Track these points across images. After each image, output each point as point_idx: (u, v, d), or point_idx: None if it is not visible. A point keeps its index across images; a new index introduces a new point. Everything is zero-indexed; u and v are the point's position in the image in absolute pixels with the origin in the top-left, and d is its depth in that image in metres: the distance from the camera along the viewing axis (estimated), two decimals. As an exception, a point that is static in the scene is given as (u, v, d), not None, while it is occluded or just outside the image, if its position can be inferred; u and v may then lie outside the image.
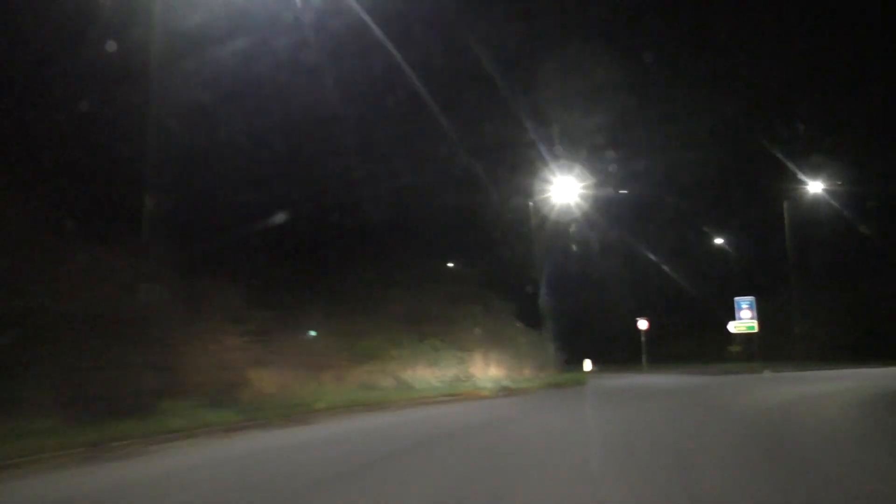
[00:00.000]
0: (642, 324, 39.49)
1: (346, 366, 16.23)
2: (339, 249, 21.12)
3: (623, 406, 14.24)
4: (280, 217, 18.19)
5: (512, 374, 21.79)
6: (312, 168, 21.76)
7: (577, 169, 31.33)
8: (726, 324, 41.28)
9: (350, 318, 18.27)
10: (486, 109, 30.28)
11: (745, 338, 31.99)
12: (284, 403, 12.84)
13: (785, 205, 33.50)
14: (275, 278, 16.94)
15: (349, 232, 22.78)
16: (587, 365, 42.31)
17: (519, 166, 31.77)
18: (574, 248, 37.00)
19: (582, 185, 31.77)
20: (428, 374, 18.33)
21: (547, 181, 31.38)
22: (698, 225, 42.30)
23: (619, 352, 45.39)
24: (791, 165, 32.96)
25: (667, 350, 43.00)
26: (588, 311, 45.59)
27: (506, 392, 18.53)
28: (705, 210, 41.65)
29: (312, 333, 19.09)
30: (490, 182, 34.02)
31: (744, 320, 30.54)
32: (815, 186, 32.53)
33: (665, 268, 45.33)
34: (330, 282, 18.99)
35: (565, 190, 31.44)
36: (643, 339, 39.26)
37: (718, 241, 43.95)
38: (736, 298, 30.78)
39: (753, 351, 30.73)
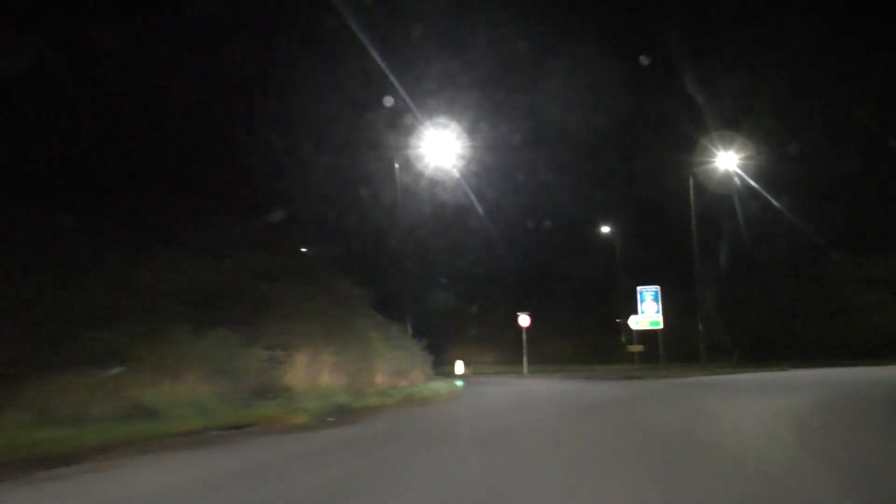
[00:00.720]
0: (523, 320, 33.80)
1: (21, 376, 8.40)
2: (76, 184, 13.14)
3: (545, 460, 7.59)
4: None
5: (357, 384, 14.72)
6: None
7: (455, 127, 24.95)
8: (618, 320, 36.60)
9: (67, 293, 10.48)
10: (339, 53, 23.33)
11: (646, 336, 26.82)
12: None
13: (690, 181, 28.83)
14: None
15: (109, 165, 14.74)
16: (459, 367, 36.15)
17: (384, 117, 24.87)
18: (447, 221, 30.71)
19: (460, 144, 25.51)
20: (206, 387, 10.82)
21: (418, 137, 24.75)
22: (595, 205, 37.41)
23: (495, 351, 39.79)
24: (700, 138, 28.50)
25: (549, 349, 37.85)
26: (461, 301, 39.47)
27: (339, 416, 11.44)
28: (603, 186, 36.74)
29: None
30: (345, 133, 26.89)
31: (647, 314, 25.29)
32: (726, 162, 28.09)
33: (551, 254, 40.22)
34: (36, 230, 10.99)
35: (440, 150, 24.95)
36: (524, 337, 33.57)
37: (605, 229, 39.62)
38: (639, 288, 25.53)
39: (658, 351, 25.53)
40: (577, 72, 30.44)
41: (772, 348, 32.38)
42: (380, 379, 15.99)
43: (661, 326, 25.03)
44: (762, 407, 12.12)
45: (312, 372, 13.41)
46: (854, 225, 34.66)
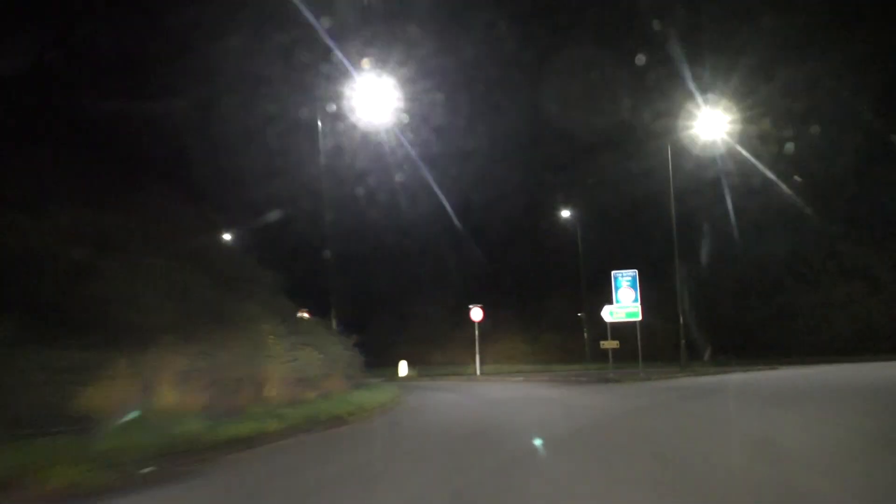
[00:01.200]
0: (476, 313, 29.50)
1: None
2: None
3: None
4: None
5: (230, 402, 9.93)
6: None
7: (391, 80, 20.30)
8: (580, 314, 32.62)
9: None
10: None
11: (618, 330, 22.71)
12: None
13: (668, 149, 24.89)
14: None
15: None
16: (403, 368, 31.69)
17: (305, 64, 20.04)
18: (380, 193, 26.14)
19: (398, 100, 20.91)
20: None
21: (346, 87, 20.01)
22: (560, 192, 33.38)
23: (444, 349, 35.44)
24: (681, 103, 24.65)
25: (503, 348, 33.72)
26: (404, 293, 35.00)
27: (170, 463, 6.71)
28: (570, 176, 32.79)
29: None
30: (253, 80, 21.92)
31: (624, 304, 21.20)
32: (712, 129, 24.22)
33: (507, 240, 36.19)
34: None
35: (373, 106, 20.28)
36: (477, 333, 29.29)
37: (565, 213, 35.62)
38: (614, 273, 21.43)
39: (634, 348, 21.45)
40: (570, 63, 26.57)
41: (747, 346, 29.29)
42: (273, 391, 11.24)
43: (640, 318, 20.98)
44: (846, 429, 7.96)
45: (149, 385, 8.60)
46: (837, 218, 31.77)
